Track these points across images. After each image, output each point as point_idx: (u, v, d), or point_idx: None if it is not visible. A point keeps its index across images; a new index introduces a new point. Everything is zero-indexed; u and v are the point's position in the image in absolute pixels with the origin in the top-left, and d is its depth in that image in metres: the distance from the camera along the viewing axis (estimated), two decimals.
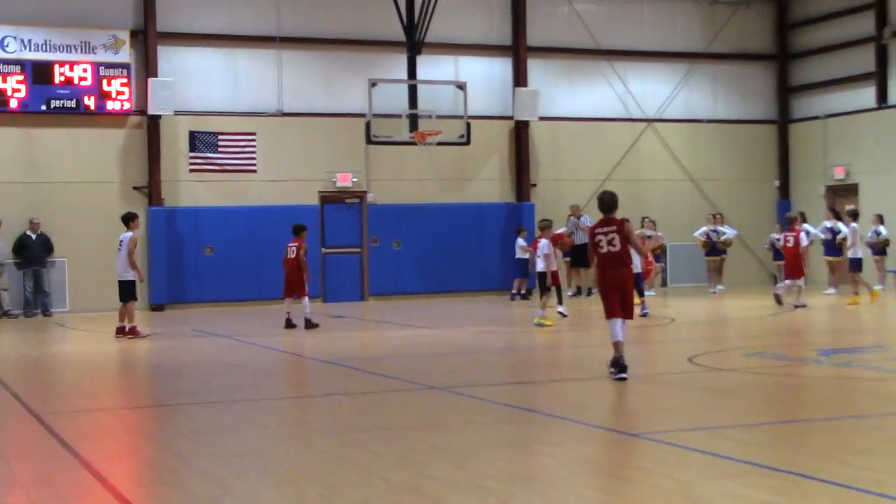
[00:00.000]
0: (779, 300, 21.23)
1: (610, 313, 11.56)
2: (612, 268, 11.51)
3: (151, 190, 25.24)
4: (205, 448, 8.46)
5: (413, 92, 25.19)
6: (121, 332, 18.03)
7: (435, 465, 7.57)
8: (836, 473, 7.00)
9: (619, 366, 11.48)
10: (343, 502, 6.60)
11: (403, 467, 7.52)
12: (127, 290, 18.12)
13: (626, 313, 11.52)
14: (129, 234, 18.09)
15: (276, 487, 7.06)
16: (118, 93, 24.85)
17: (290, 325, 18.84)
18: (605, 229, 11.61)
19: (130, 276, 18.01)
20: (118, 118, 25.19)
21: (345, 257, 26.86)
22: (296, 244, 19.01)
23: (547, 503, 6.47)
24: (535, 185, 28.23)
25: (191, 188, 25.70)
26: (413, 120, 25.03)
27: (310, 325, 18.67)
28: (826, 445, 8.17)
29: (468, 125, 25.35)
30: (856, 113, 28.47)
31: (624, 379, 11.37)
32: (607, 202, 11.73)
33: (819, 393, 11.08)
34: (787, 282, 21.43)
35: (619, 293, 11.50)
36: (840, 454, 7.75)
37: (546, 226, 18.79)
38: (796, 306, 20.90)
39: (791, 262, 21.17)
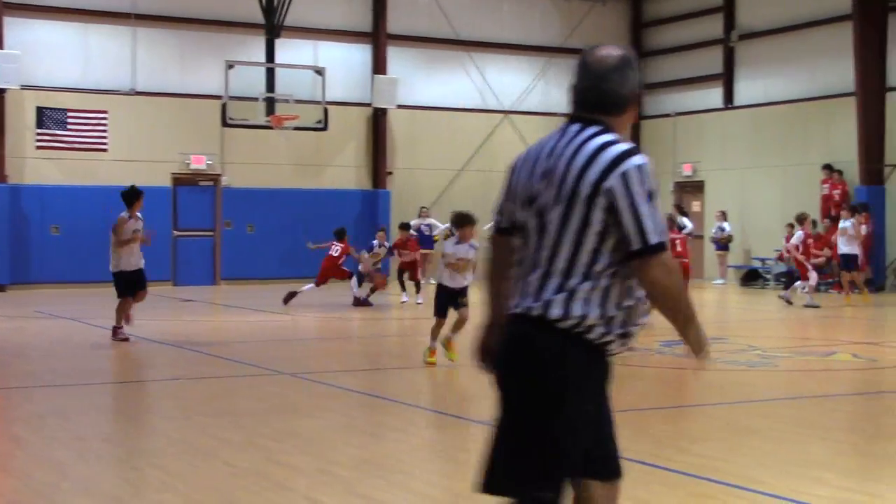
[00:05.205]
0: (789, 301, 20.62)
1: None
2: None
3: None
4: (43, 432, 8.24)
5: (271, 75, 24.89)
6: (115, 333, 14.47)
7: (282, 450, 7.54)
8: (674, 460, 7.23)
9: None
10: (185, 487, 6.52)
11: (249, 452, 7.46)
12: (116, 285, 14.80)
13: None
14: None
15: (117, 472, 6.94)
16: None
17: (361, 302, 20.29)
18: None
19: (120, 265, 14.64)
20: None
21: (196, 240, 26.42)
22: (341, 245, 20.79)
23: (392, 487, 6.52)
24: (391, 173, 28.26)
25: (37, 166, 24.90)
26: (270, 104, 24.73)
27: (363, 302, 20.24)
28: (665, 433, 8.43)
29: (326, 111, 25.18)
30: (704, 112, 29.31)
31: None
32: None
33: (660, 383, 11.40)
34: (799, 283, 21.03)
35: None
36: (678, 441, 8.01)
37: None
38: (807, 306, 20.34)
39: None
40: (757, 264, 27.51)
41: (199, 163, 26.22)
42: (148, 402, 10.13)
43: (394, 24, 28.32)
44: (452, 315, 12.02)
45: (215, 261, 26.57)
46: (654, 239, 3.59)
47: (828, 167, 25.41)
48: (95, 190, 25.15)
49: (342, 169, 27.89)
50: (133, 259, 14.61)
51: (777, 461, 7.25)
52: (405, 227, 21.88)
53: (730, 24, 28.73)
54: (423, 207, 27.11)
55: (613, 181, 3.60)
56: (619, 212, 3.59)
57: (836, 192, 25.11)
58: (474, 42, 29.33)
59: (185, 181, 26.35)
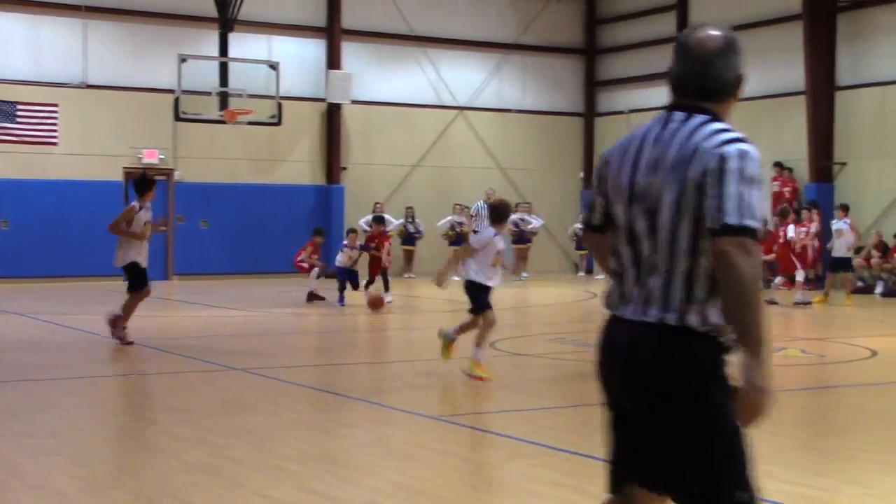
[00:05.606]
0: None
1: None
2: None
3: None
4: None
5: (224, 69, 24.75)
6: (114, 325, 13.28)
7: (234, 446, 7.52)
8: None
9: None
10: (135, 483, 6.48)
11: (201, 448, 7.44)
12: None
13: None
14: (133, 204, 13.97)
15: (67, 469, 6.88)
16: None
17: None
18: None
19: (128, 258, 13.51)
20: None
21: None
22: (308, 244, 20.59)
23: (343, 484, 6.52)
24: (345, 169, 28.20)
25: None
26: (224, 98, 24.61)
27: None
28: None
29: (280, 106, 25.09)
30: (657, 109, 29.25)
31: None
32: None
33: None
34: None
35: None
36: None
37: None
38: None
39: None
40: None
41: (151, 157, 26.01)
42: (98, 399, 10.04)
43: (348, 19, 28.25)
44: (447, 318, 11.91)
45: (168, 256, 26.38)
46: (733, 219, 3.31)
47: (778, 165, 25.68)
48: (46, 184, 24.91)
49: (296, 164, 27.80)
50: (144, 252, 13.61)
51: None
52: (380, 220, 20.81)
53: (683, 22, 28.92)
54: (377, 203, 27.10)
55: (711, 162, 3.39)
56: (705, 191, 3.37)
57: (787, 190, 25.40)
58: (429, 38, 29.33)
59: (138, 175, 26.10)
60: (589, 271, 29.56)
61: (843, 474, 6.94)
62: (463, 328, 10.91)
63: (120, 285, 23.52)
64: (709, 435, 3.45)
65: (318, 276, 20.09)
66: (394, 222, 27.08)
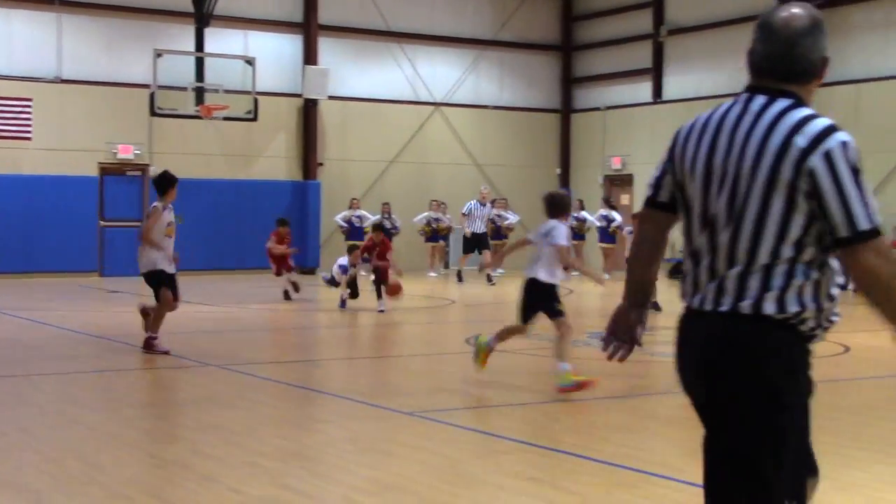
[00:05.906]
0: None
1: None
2: None
3: None
4: None
5: (200, 65, 24.66)
6: (149, 345, 12.26)
7: (207, 442, 7.49)
8: (598, 450, 7.32)
9: None
10: (107, 479, 6.45)
11: (174, 444, 7.42)
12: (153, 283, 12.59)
13: None
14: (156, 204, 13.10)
15: (38, 465, 6.84)
16: None
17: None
18: None
19: (154, 264, 12.72)
20: None
21: (124, 231, 26.03)
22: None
23: (318, 479, 6.51)
24: (322, 164, 28.16)
25: None
26: (199, 93, 24.51)
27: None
28: (591, 424, 8.52)
29: (256, 101, 25.01)
30: (633, 106, 29.60)
31: None
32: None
33: (585, 373, 11.49)
34: None
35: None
36: (603, 432, 8.10)
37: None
38: None
39: None
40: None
41: (126, 152, 25.88)
42: (71, 395, 9.98)
43: (325, 15, 28.19)
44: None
45: None
46: (864, 224, 3.20)
47: None
48: (19, 179, 24.75)
49: (272, 160, 27.72)
50: (170, 255, 12.88)
51: (696, 450, 7.34)
52: (380, 227, 19.69)
53: (659, 19, 29.03)
54: (354, 199, 27.06)
55: (816, 161, 3.21)
56: (823, 195, 3.21)
57: None
58: (406, 34, 29.31)
59: (113, 171, 26.00)
60: (565, 268, 29.57)
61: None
62: (503, 335, 10.12)
63: (96, 281, 23.38)
64: (772, 436, 3.33)
65: (292, 273, 19.80)
66: (370, 218, 27.05)
